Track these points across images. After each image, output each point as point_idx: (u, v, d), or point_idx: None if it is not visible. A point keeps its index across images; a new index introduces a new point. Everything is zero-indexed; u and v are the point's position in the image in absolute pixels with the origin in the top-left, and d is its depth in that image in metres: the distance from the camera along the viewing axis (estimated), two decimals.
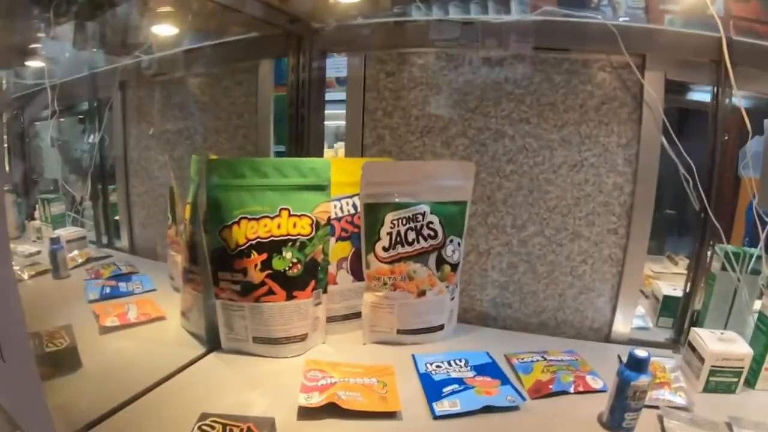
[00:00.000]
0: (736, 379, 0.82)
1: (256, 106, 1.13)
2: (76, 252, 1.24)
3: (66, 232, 1.24)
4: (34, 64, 1.24)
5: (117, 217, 1.40)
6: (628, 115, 0.96)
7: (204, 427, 0.64)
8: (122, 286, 1.13)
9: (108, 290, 1.09)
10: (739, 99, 0.88)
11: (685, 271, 1.05)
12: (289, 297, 0.89)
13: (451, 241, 0.96)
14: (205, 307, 0.91)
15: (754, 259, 0.94)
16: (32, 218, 1.33)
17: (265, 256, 0.87)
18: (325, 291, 0.95)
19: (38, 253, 1.23)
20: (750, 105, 0.90)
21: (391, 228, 0.92)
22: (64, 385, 0.77)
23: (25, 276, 1.10)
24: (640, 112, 0.95)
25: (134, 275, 1.19)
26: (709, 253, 0.97)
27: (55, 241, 1.14)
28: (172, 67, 1.27)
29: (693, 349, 0.86)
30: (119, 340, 0.92)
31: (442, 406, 0.76)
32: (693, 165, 0.93)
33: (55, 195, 1.33)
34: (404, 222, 0.92)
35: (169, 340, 0.97)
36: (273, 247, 0.87)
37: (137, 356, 0.90)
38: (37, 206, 1.32)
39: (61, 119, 1.33)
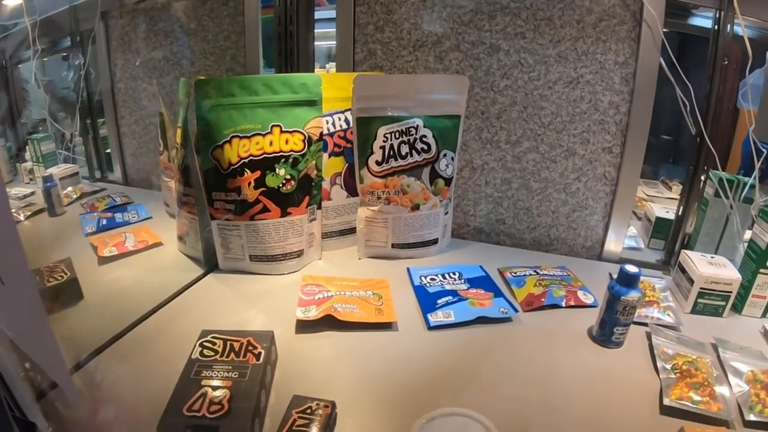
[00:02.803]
0: (723, 303, 0.83)
1: (244, 26, 1.09)
2: (69, 188, 1.23)
3: (58, 170, 1.23)
4: (10, 1, 1.19)
5: (108, 150, 1.38)
6: (626, 33, 0.93)
7: (205, 344, 0.65)
8: (118, 216, 1.12)
9: (104, 222, 1.09)
10: (742, 25, 0.86)
11: (679, 197, 1.05)
12: (284, 214, 0.89)
13: (445, 155, 0.95)
14: (202, 229, 0.91)
15: (747, 188, 0.94)
16: (23, 160, 1.31)
17: (258, 173, 0.86)
18: (319, 207, 0.96)
19: (32, 194, 1.22)
20: (753, 35, 0.88)
21: (384, 142, 0.92)
22: (68, 317, 0.78)
23: (21, 217, 1.09)
24: (639, 31, 0.92)
25: (129, 205, 1.19)
26: (702, 178, 0.97)
27: (47, 179, 1.12)
28: None
29: (683, 270, 0.87)
30: (118, 269, 0.93)
31: (437, 317, 0.78)
32: (691, 88, 0.92)
33: (44, 134, 1.31)
34: (397, 135, 0.92)
35: (168, 264, 0.98)
36: (266, 164, 0.87)
37: (137, 282, 0.91)
38: (27, 147, 1.30)
39: (45, 58, 1.29)
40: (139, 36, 1.26)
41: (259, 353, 0.63)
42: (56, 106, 1.35)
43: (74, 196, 1.22)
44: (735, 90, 1.00)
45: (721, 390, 0.64)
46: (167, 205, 1.15)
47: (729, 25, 0.87)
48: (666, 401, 0.61)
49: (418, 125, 0.92)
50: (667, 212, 1.10)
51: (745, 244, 0.88)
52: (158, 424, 0.53)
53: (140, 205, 1.19)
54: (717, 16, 0.89)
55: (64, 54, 1.37)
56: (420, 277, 0.91)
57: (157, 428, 0.52)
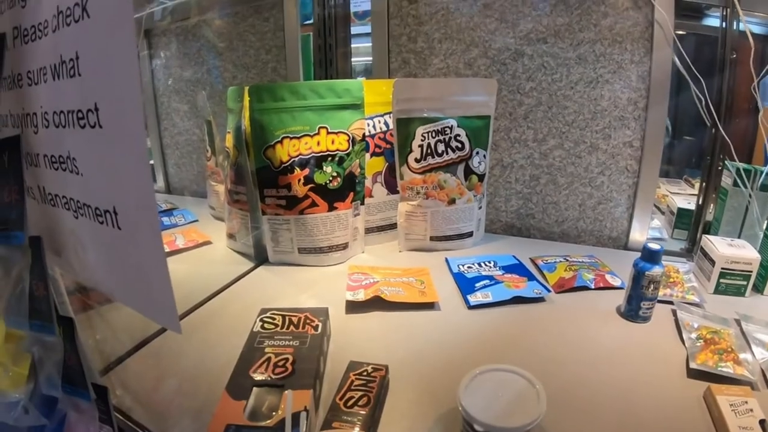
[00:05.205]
0: (745, 283, 0.86)
1: (284, 40, 1.17)
2: None
3: None
4: None
5: (151, 162, 1.46)
6: (640, 34, 0.99)
7: (265, 319, 0.70)
8: (165, 220, 1.18)
9: None
10: (744, 21, 0.91)
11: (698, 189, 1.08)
12: (331, 208, 0.96)
13: (477, 152, 1.02)
14: (252, 225, 0.98)
15: (764, 176, 0.96)
16: None
17: (307, 171, 0.93)
18: (362, 203, 1.02)
19: None
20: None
21: (422, 140, 0.99)
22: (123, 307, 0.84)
23: None
24: (652, 31, 0.98)
25: (175, 210, 1.25)
26: (719, 167, 1.01)
27: None
28: (195, 10, 1.30)
29: (705, 254, 0.91)
30: (171, 264, 0.96)
31: (476, 298, 0.84)
32: (702, 81, 0.96)
33: None
34: (434, 135, 0.99)
35: (218, 259, 1.04)
36: (314, 162, 0.94)
37: (190, 275, 0.97)
38: None
39: None
40: (182, 52, 1.34)
41: (317, 325, 0.68)
42: None
43: None
44: (748, 77, 1.02)
45: (745, 356, 0.66)
46: (212, 208, 1.22)
47: (735, 22, 0.93)
48: (692, 365, 0.64)
49: (452, 125, 0.99)
50: (689, 203, 1.13)
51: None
52: (227, 385, 0.57)
53: (185, 209, 1.25)
54: (724, 13, 0.95)
55: None
56: (458, 265, 0.96)
57: (226, 388, 0.56)
